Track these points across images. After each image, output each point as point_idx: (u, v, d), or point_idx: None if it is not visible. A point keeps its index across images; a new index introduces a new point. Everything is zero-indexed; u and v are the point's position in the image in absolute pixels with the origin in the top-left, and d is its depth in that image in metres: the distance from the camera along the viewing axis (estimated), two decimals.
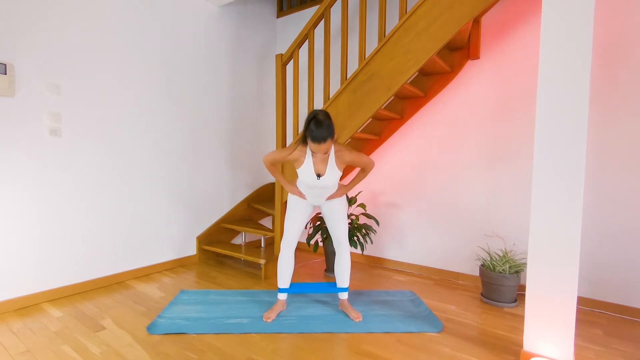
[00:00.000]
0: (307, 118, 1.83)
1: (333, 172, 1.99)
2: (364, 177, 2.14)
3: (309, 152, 1.96)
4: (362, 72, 2.51)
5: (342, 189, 2.15)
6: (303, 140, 1.91)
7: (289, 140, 3.95)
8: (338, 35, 3.58)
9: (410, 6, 3.04)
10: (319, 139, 1.78)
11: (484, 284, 2.47)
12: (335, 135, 1.88)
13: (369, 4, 3.29)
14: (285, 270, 2.19)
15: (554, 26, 1.59)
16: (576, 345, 1.90)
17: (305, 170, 1.98)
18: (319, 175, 1.98)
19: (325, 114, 1.84)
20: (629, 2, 2.22)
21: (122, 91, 2.75)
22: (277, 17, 4.07)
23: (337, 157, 1.97)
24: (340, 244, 2.19)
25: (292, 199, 2.17)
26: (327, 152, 1.90)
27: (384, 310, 2.28)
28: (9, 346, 1.83)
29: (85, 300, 2.42)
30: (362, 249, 2.84)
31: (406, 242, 3.18)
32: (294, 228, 2.16)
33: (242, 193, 3.80)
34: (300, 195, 2.13)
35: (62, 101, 2.43)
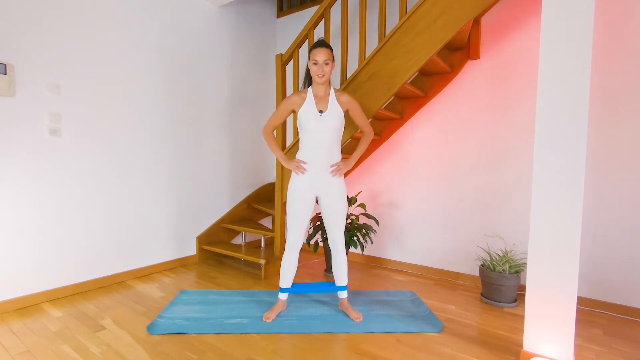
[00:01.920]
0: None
1: (335, 109, 2.05)
2: (365, 146, 2.18)
3: (310, 93, 2.07)
4: (362, 72, 2.51)
5: (345, 162, 2.13)
6: (302, 87, 2.11)
7: (289, 140, 3.95)
8: (338, 35, 3.58)
9: (410, 6, 3.04)
10: (320, 44, 1.99)
11: (484, 284, 2.47)
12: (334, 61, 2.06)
13: (369, 4, 3.29)
14: (288, 270, 2.18)
15: (554, 26, 1.59)
16: (576, 345, 1.90)
17: (307, 109, 2.05)
18: (321, 112, 2.03)
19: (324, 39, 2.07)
20: (629, 2, 2.22)
21: (122, 91, 2.75)
22: (277, 17, 4.07)
23: (337, 96, 2.09)
24: (336, 243, 2.18)
25: (291, 197, 2.13)
26: (327, 61, 1.99)
27: (384, 310, 2.28)
28: (9, 346, 1.83)
29: (85, 300, 2.42)
30: (362, 249, 2.84)
31: (406, 242, 3.18)
32: (296, 228, 2.14)
33: (242, 193, 3.81)
34: (300, 167, 2.09)
35: (62, 101, 2.43)
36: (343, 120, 2.09)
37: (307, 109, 2.05)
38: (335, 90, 2.11)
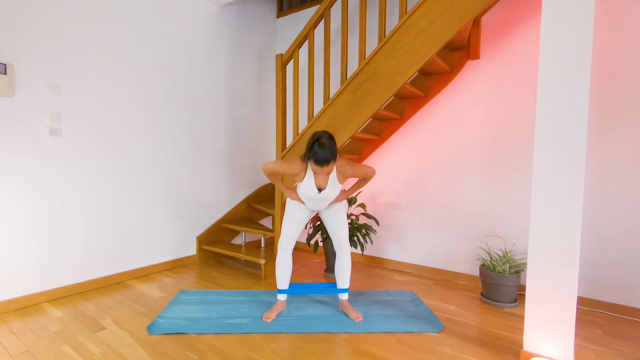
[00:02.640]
0: (310, 140, 1.82)
1: (334, 186, 2.00)
2: (364, 185, 2.14)
3: (310, 170, 1.95)
4: (362, 72, 2.51)
5: (342, 194, 2.15)
6: (305, 157, 1.90)
7: (289, 140, 3.95)
8: (338, 35, 3.58)
9: (410, 6, 3.04)
10: (322, 162, 1.78)
11: (484, 284, 2.47)
12: (338, 155, 1.86)
13: (369, 4, 3.29)
14: (283, 271, 2.18)
15: (554, 26, 1.59)
16: (576, 345, 1.90)
17: (306, 185, 1.99)
18: (320, 189, 1.99)
19: (329, 136, 1.83)
20: (629, 3, 2.22)
21: (121, 91, 2.75)
22: (277, 17, 4.07)
23: (338, 172, 1.97)
24: (341, 246, 2.19)
25: (290, 201, 2.17)
26: (329, 173, 1.90)
27: (384, 310, 2.28)
28: (9, 346, 1.83)
29: (85, 300, 2.42)
30: (362, 249, 2.84)
31: (406, 242, 3.17)
32: (292, 230, 2.16)
33: (242, 193, 3.80)
34: (300, 201, 2.14)
35: (62, 101, 2.43)
36: (341, 188, 2.06)
37: (306, 184, 1.98)
38: (337, 163, 1.94)
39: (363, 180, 2.10)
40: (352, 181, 3.53)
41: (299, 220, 2.16)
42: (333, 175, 1.96)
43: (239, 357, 1.75)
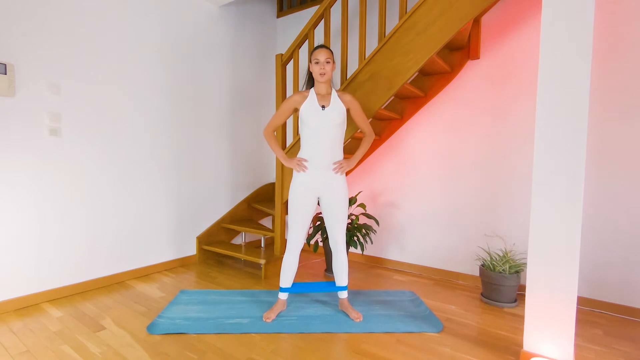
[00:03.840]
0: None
1: (337, 105, 2.08)
2: (366, 147, 2.20)
3: (312, 92, 2.11)
4: (362, 72, 2.51)
5: (347, 161, 2.14)
6: (304, 86, 2.16)
7: (289, 140, 3.95)
8: (338, 35, 3.58)
9: (410, 6, 3.04)
10: (321, 46, 2.05)
11: (484, 284, 2.47)
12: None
13: (369, 4, 3.29)
14: (288, 271, 2.18)
15: (554, 26, 1.59)
16: (576, 345, 1.90)
17: (310, 105, 2.07)
18: (323, 107, 2.06)
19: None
20: (630, 2, 2.22)
21: (122, 91, 2.75)
22: (277, 17, 4.07)
23: (339, 95, 2.12)
24: (337, 243, 2.18)
25: (292, 197, 2.13)
26: (328, 60, 2.03)
27: (384, 310, 2.28)
28: (9, 346, 1.83)
29: (85, 300, 2.42)
30: (362, 249, 2.84)
31: (406, 242, 3.18)
32: (297, 229, 2.13)
33: (242, 193, 3.81)
34: (301, 165, 2.10)
35: (62, 101, 2.43)
36: (345, 118, 2.10)
37: (310, 104, 2.07)
38: (337, 90, 2.13)
39: (365, 140, 2.21)
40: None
41: (302, 216, 2.12)
42: (334, 95, 2.09)
43: (239, 357, 1.76)
